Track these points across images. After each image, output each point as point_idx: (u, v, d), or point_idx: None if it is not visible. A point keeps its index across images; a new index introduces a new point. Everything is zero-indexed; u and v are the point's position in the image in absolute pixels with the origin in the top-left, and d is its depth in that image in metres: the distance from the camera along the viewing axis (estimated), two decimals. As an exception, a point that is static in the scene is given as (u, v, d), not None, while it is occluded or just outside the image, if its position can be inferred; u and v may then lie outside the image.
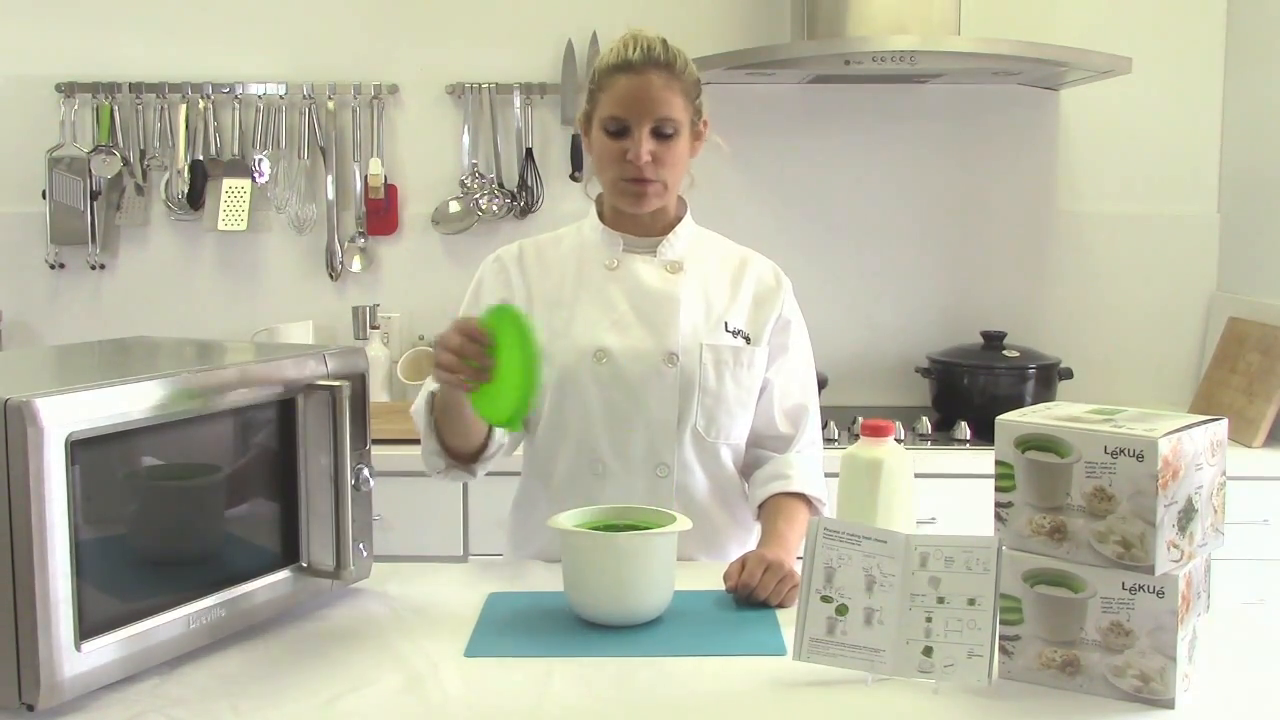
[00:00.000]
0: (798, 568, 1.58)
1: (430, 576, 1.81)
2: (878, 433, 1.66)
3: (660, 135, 1.84)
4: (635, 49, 1.85)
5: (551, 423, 1.94)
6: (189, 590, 1.47)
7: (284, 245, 3.39)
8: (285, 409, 1.60)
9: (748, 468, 1.99)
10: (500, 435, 1.90)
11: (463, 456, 1.90)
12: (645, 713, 1.35)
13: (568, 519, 1.65)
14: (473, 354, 1.63)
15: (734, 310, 1.95)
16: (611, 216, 1.96)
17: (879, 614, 1.39)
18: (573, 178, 3.34)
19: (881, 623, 1.39)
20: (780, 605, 1.66)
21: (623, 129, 1.84)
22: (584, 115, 1.93)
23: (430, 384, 1.87)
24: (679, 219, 1.97)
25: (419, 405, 1.91)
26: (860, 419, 2.00)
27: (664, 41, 1.87)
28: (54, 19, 3.34)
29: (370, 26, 3.35)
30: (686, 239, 1.97)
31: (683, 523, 1.63)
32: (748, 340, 1.94)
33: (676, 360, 1.88)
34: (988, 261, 3.40)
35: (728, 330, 1.93)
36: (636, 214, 1.92)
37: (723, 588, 1.72)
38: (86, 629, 1.32)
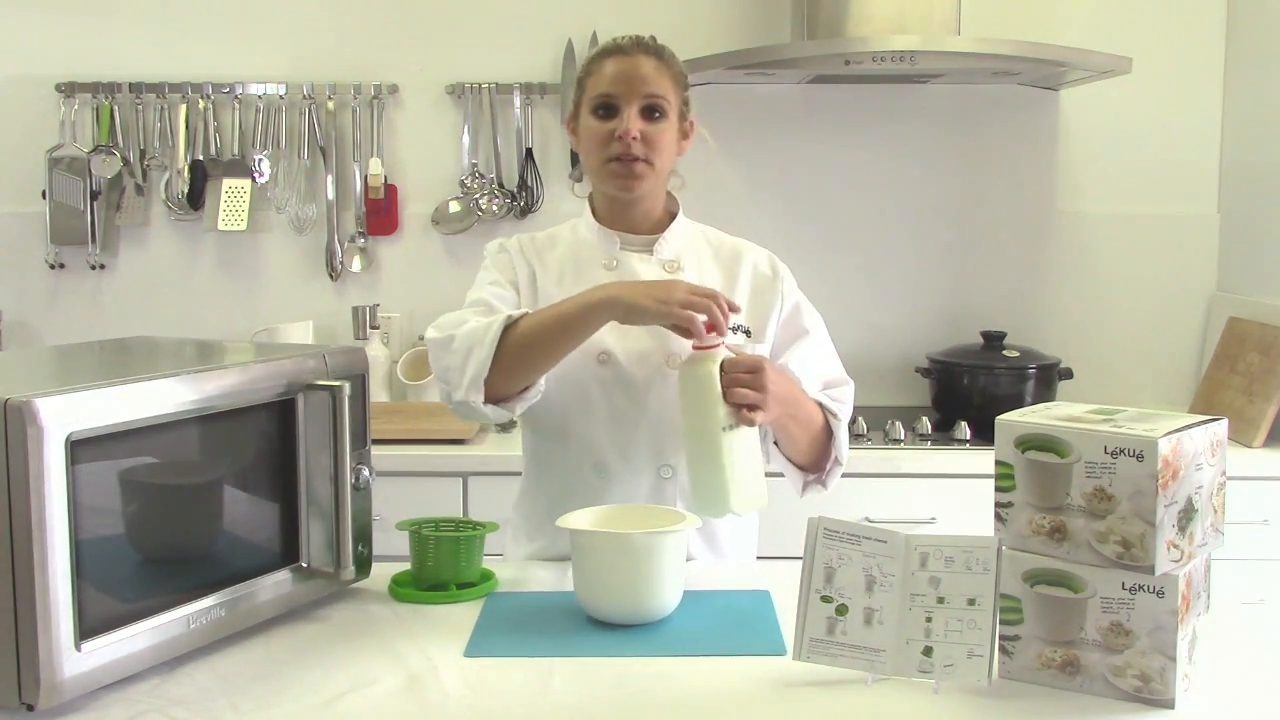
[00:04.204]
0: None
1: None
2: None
3: (649, 116, 1.85)
4: (625, 38, 1.89)
5: (553, 425, 1.94)
6: (189, 590, 1.47)
7: (284, 245, 3.39)
8: (285, 409, 1.60)
9: None
10: (541, 380, 1.83)
11: (503, 395, 1.80)
12: (645, 713, 1.35)
13: (577, 519, 1.65)
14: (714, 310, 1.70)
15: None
16: (606, 215, 1.96)
17: (879, 614, 1.39)
18: (573, 178, 3.34)
19: (881, 623, 1.39)
20: (748, 407, 1.69)
21: (611, 108, 1.85)
22: (573, 111, 1.93)
23: (500, 310, 1.81)
24: (672, 216, 1.97)
25: (471, 330, 1.78)
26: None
27: (651, 37, 1.90)
28: (54, 19, 3.34)
29: (370, 26, 3.35)
30: (680, 236, 1.96)
31: (692, 521, 1.63)
32: (748, 334, 1.93)
33: (678, 360, 1.88)
34: (988, 261, 3.40)
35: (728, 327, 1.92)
36: (626, 198, 1.91)
37: (722, 587, 1.73)
38: (86, 629, 1.32)
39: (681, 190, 2.00)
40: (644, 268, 1.93)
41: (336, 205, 3.36)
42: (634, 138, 1.84)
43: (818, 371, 1.96)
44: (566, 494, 1.89)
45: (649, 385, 1.88)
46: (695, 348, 1.71)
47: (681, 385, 1.75)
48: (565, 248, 1.98)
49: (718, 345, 1.71)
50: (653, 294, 1.72)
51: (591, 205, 1.98)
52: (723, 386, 1.70)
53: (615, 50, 1.88)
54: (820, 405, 1.91)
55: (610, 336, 1.88)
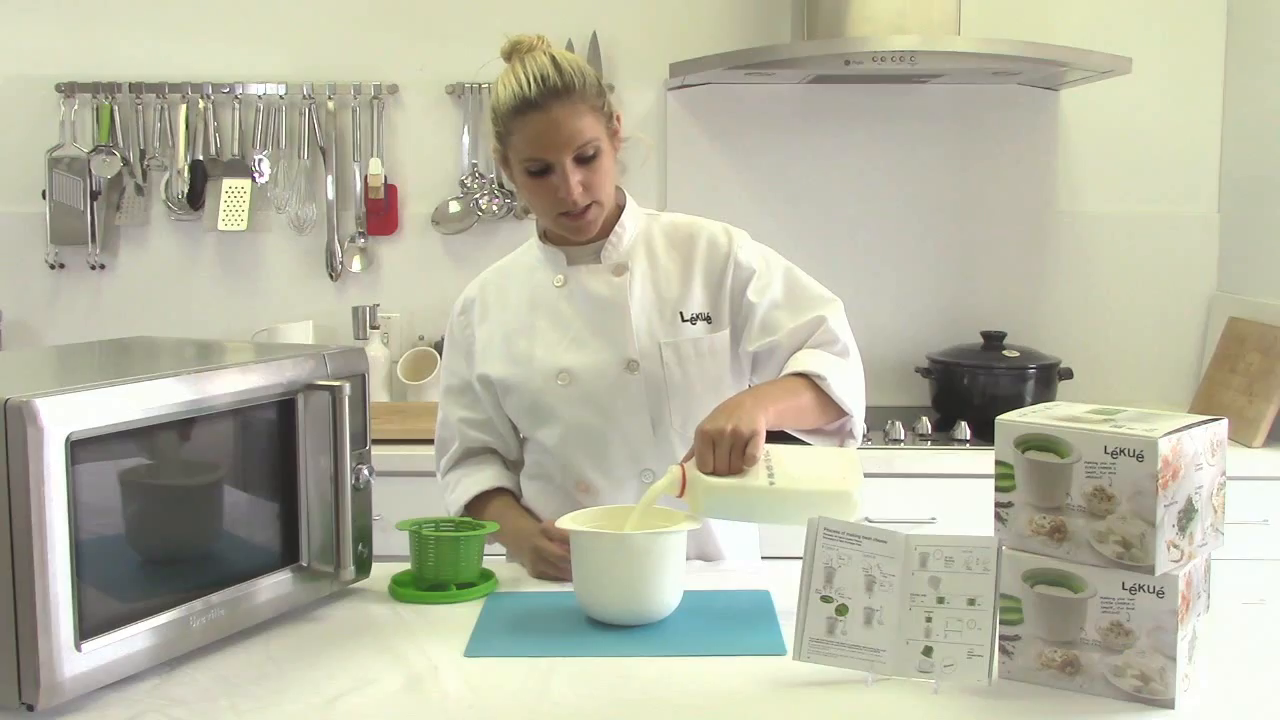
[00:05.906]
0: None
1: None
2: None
3: (583, 159, 1.80)
4: (530, 83, 1.77)
5: (533, 448, 1.95)
6: (189, 590, 1.47)
7: (284, 245, 3.39)
8: (285, 409, 1.60)
9: None
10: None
11: None
12: (645, 713, 1.35)
13: (577, 519, 1.65)
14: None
15: (689, 295, 1.90)
16: (555, 231, 1.92)
17: (879, 614, 1.39)
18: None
19: (881, 623, 1.39)
20: (740, 471, 1.64)
21: (545, 167, 1.80)
22: (498, 154, 1.87)
23: (466, 485, 1.97)
24: (620, 208, 1.93)
25: (453, 500, 1.98)
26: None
27: (554, 60, 1.80)
28: (54, 19, 3.34)
29: (370, 26, 3.36)
30: (631, 232, 1.93)
31: (691, 521, 1.63)
32: (709, 321, 1.90)
33: (637, 367, 1.86)
34: (988, 261, 3.40)
35: (685, 320, 1.89)
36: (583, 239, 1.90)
37: (722, 587, 1.72)
38: (86, 629, 1.32)
39: (623, 176, 1.95)
40: (593, 279, 1.89)
41: (336, 205, 3.36)
42: (577, 195, 1.80)
43: (788, 327, 1.90)
44: (559, 509, 1.88)
45: (613, 396, 1.87)
46: (678, 496, 1.66)
47: (710, 509, 1.68)
48: (522, 272, 1.97)
49: (681, 476, 1.66)
50: (532, 567, 1.83)
51: (538, 225, 1.97)
52: (721, 472, 1.64)
53: (526, 106, 1.77)
54: (802, 375, 1.83)
55: (567, 355, 1.88)
